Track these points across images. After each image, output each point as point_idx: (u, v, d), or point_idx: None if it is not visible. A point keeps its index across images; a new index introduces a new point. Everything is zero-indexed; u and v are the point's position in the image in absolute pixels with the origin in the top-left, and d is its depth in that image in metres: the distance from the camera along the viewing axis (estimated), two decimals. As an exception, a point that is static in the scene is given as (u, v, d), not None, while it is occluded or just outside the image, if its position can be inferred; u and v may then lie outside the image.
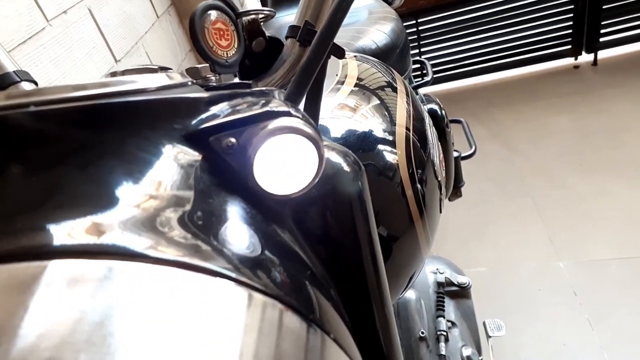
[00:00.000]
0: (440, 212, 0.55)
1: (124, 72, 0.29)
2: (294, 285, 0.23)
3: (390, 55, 1.02)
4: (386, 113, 0.52)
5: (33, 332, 0.15)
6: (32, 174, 0.20)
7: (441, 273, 0.95)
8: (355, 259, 0.29)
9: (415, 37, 2.60)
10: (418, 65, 1.71)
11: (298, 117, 0.25)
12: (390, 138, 0.49)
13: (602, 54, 2.51)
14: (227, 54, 0.32)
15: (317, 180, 0.25)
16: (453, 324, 0.90)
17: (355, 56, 0.62)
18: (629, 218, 1.64)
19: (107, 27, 1.78)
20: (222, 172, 0.24)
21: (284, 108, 0.25)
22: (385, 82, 0.57)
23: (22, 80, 0.42)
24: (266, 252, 0.23)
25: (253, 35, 0.36)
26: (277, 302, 0.21)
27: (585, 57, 2.53)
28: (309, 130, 0.24)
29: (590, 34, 2.44)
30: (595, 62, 2.51)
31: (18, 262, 0.17)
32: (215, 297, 0.19)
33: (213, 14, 0.32)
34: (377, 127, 0.50)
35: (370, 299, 0.29)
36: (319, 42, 0.29)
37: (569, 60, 2.57)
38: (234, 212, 0.23)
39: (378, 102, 0.53)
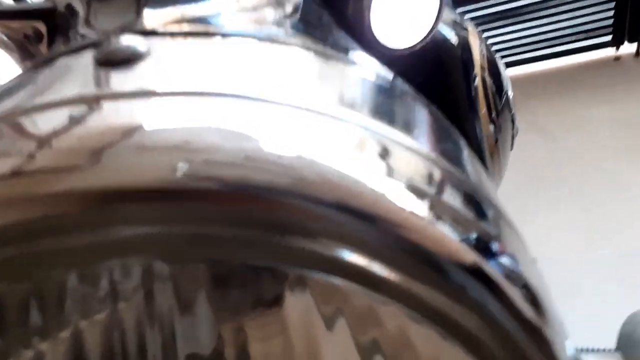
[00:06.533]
0: (511, 149, 0.53)
1: None
2: None
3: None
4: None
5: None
6: None
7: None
8: None
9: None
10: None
11: None
12: None
13: (646, 43, 2.42)
14: None
15: (432, 34, 0.24)
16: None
17: None
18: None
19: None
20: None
21: None
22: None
23: None
24: None
25: None
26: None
27: (628, 48, 2.44)
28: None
29: (633, 22, 2.35)
30: (638, 52, 2.42)
31: None
32: None
33: None
34: None
35: None
36: None
37: (609, 51, 2.48)
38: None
39: None
